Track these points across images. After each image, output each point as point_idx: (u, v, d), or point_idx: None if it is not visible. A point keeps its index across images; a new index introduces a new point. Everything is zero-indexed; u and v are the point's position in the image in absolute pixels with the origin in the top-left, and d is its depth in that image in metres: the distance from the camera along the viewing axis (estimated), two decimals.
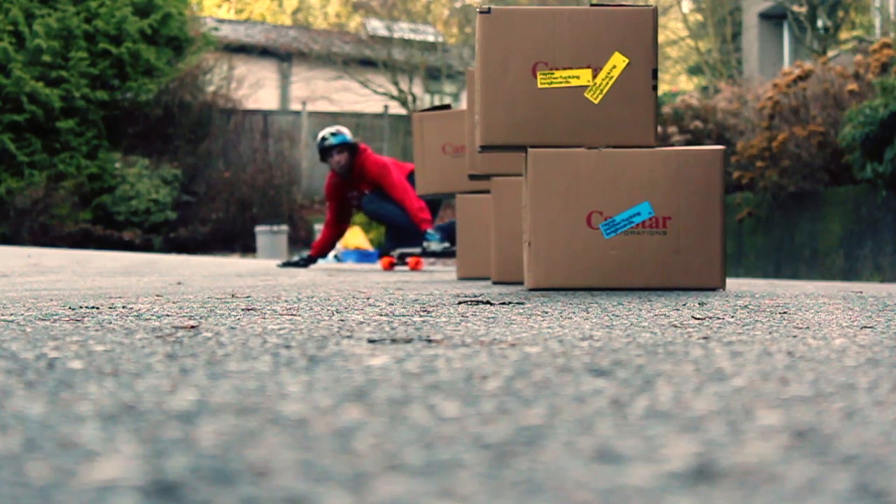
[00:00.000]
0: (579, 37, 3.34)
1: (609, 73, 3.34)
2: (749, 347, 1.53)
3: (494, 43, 3.36)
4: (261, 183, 17.72)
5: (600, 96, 3.35)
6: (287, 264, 7.56)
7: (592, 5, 3.37)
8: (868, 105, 8.61)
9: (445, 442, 0.79)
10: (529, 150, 3.33)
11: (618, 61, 3.34)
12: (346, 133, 7.72)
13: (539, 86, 3.34)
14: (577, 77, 3.34)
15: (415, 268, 7.27)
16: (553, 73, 3.34)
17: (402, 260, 7.48)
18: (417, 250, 7.30)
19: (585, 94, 3.35)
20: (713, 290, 3.33)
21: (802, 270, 9.98)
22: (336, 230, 7.74)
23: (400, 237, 7.60)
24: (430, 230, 7.06)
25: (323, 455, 0.73)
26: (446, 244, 6.88)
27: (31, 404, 0.95)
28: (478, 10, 3.36)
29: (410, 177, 7.27)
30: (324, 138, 7.68)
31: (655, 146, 3.37)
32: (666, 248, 3.32)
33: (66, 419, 0.87)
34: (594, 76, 3.34)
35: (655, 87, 3.38)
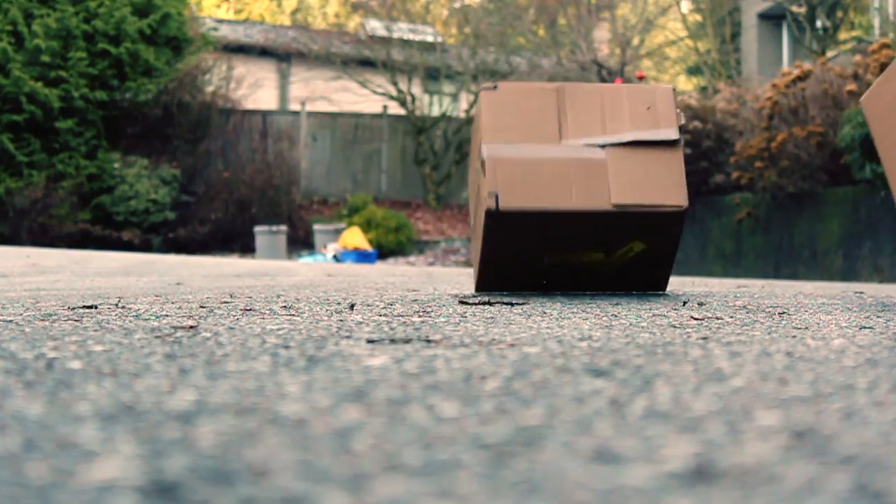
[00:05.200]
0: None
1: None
2: (748, 348, 1.53)
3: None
4: (260, 183, 17.74)
5: None
6: None
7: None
8: None
9: (444, 442, 0.79)
10: None
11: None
12: None
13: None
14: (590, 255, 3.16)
15: None
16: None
17: None
18: None
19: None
20: None
21: (801, 271, 10.04)
22: None
23: None
24: None
25: (322, 455, 0.73)
26: None
27: (29, 404, 0.95)
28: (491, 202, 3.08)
29: None
30: None
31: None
32: None
33: (64, 419, 0.87)
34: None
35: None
